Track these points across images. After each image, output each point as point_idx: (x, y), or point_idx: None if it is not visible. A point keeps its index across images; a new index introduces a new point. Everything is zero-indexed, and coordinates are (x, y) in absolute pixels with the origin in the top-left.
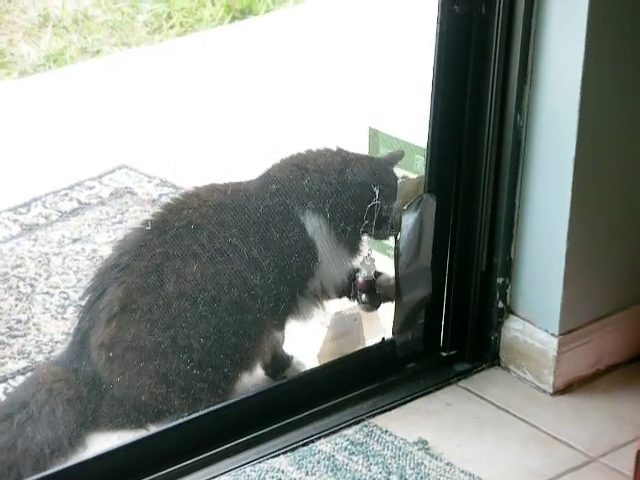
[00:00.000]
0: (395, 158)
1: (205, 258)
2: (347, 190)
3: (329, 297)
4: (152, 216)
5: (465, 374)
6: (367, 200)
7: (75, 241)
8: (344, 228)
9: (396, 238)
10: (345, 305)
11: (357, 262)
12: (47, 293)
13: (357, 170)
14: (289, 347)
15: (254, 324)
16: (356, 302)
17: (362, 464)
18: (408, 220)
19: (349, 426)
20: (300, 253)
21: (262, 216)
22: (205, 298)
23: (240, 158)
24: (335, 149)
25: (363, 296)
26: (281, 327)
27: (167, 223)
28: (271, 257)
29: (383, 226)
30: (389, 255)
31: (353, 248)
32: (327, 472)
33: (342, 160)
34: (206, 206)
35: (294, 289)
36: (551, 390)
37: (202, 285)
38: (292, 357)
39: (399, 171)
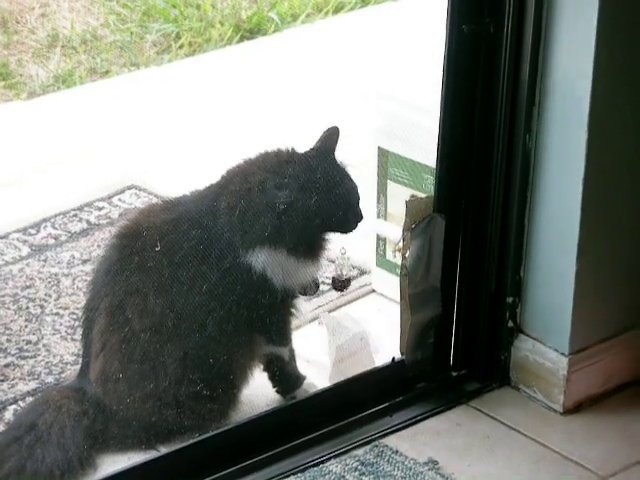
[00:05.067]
0: (331, 140)
1: (160, 289)
2: (275, 202)
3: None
4: (107, 249)
5: (475, 394)
6: (316, 200)
7: (85, 262)
8: (295, 241)
9: (404, 257)
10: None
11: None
12: (57, 314)
13: (280, 181)
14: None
15: (230, 345)
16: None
17: None
18: (417, 240)
19: (359, 446)
20: (255, 288)
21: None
22: (169, 327)
23: None
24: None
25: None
26: (280, 342)
27: (121, 259)
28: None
29: (343, 216)
30: (397, 274)
31: (313, 253)
32: None
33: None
34: (156, 233)
35: (277, 309)
36: (561, 409)
37: (164, 316)
38: (304, 378)
39: (409, 191)
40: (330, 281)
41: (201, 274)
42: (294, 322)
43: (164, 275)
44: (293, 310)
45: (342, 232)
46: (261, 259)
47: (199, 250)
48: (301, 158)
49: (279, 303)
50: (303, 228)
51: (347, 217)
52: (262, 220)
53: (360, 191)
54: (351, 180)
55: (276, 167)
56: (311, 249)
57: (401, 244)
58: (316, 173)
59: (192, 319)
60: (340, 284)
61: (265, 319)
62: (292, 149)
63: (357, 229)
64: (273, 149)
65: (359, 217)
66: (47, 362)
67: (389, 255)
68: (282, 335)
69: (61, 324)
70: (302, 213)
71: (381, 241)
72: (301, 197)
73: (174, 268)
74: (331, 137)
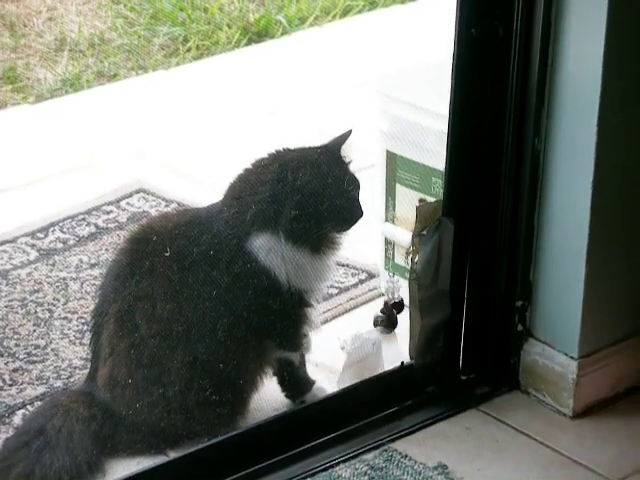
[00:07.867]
0: (342, 141)
1: (170, 294)
2: (290, 195)
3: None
4: (118, 254)
5: (485, 398)
6: (317, 195)
7: (93, 266)
8: (301, 233)
9: (414, 261)
10: (364, 329)
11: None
12: (65, 318)
13: (297, 173)
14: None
15: (239, 350)
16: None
17: None
18: (426, 244)
19: (369, 451)
20: (260, 282)
21: (218, 249)
22: (179, 333)
23: None
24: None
25: (379, 319)
26: (291, 347)
27: (131, 264)
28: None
29: (343, 214)
30: (406, 278)
31: (316, 248)
32: None
33: (280, 166)
34: (167, 240)
35: (289, 311)
36: (571, 413)
37: (173, 323)
38: (314, 382)
39: (417, 194)
40: (337, 287)
41: (210, 278)
42: (305, 328)
43: (174, 280)
44: (304, 314)
45: (342, 228)
46: (258, 245)
47: (208, 254)
48: (303, 151)
49: (289, 304)
50: (298, 217)
51: (346, 211)
52: (259, 207)
53: (362, 189)
54: (351, 174)
55: (274, 158)
56: (313, 243)
57: (411, 249)
58: (319, 166)
59: (201, 324)
60: (391, 308)
61: (275, 323)
62: (295, 147)
63: (363, 230)
64: (277, 148)
65: (359, 213)
66: (55, 366)
67: (398, 259)
68: (293, 340)
69: (69, 328)
70: (297, 201)
71: (389, 245)
72: (298, 186)
73: (184, 273)
74: (342, 136)
